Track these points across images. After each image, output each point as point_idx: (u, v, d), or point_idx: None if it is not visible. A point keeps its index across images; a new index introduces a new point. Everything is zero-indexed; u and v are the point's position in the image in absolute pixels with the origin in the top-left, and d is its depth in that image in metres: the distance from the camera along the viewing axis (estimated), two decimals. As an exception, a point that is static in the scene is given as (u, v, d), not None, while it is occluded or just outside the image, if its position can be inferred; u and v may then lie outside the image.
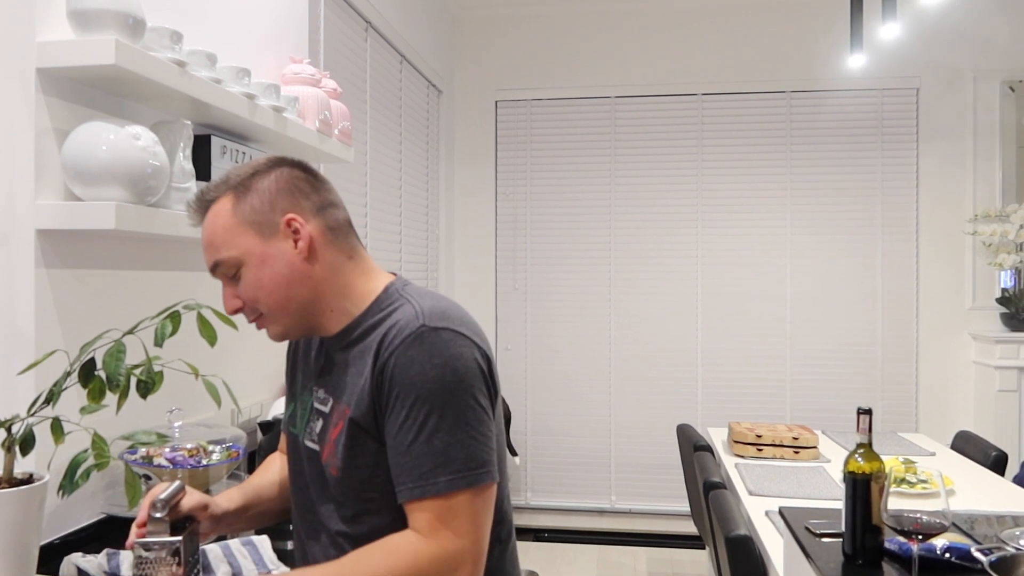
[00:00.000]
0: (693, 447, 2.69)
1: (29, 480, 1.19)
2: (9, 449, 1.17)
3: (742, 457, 2.69)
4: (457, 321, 1.10)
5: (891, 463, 2.24)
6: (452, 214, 4.34)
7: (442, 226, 4.15)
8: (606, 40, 4.26)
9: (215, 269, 1.14)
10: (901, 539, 1.33)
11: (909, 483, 2.05)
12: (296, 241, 1.12)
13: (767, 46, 4.14)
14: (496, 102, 4.37)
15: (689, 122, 4.21)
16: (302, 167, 1.17)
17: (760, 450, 2.68)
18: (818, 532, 1.64)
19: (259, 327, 1.17)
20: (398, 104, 3.43)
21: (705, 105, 4.19)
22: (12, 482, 1.17)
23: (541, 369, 4.31)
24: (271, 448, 1.80)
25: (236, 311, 1.15)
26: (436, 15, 3.99)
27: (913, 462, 2.25)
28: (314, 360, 1.23)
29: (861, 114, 4.09)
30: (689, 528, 4.06)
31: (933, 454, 2.75)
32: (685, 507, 4.07)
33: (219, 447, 1.53)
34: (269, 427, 1.84)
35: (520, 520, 4.25)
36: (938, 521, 1.26)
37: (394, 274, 1.23)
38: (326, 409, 1.17)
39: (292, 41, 2.29)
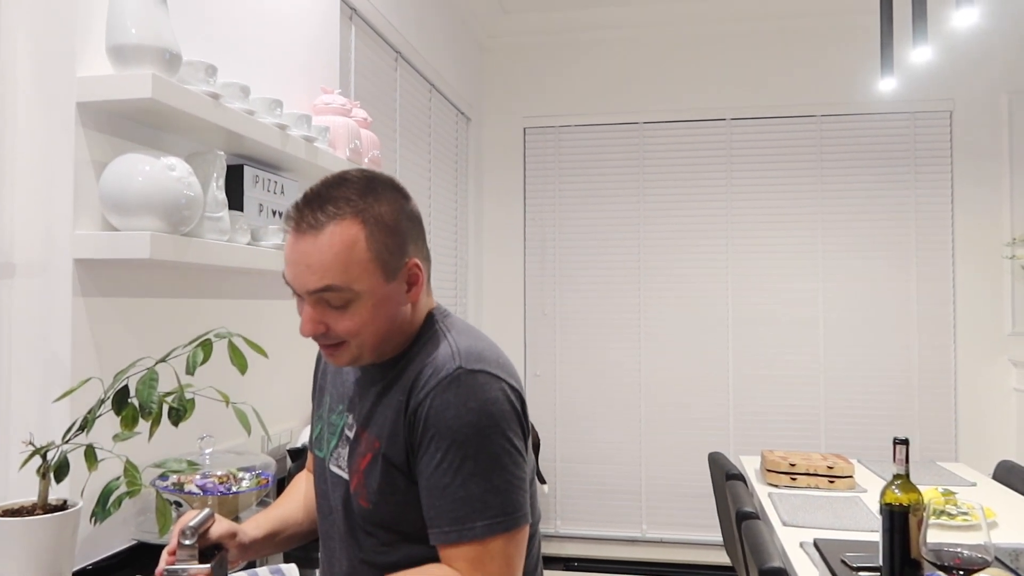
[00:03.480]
0: (725, 476, 2.64)
1: (63, 506, 1.21)
2: (44, 476, 1.19)
3: (775, 486, 2.63)
4: (493, 363, 1.09)
5: (930, 494, 2.18)
6: (481, 240, 4.36)
7: (471, 252, 4.17)
8: (634, 66, 4.28)
9: (320, 292, 1.05)
10: (941, 574, 1.29)
11: (949, 515, 2.00)
12: (410, 287, 1.11)
13: (796, 70, 4.12)
14: (524, 129, 4.39)
15: (718, 147, 4.19)
16: (404, 192, 1.13)
17: (794, 479, 2.62)
18: (854, 566, 1.60)
19: (330, 352, 1.11)
20: (427, 132, 3.47)
21: (734, 130, 4.18)
22: (46, 508, 1.19)
23: (570, 395, 4.28)
24: (300, 475, 1.81)
25: (315, 335, 1.09)
26: (464, 44, 4.04)
27: (953, 493, 2.19)
28: (349, 384, 1.22)
29: (893, 138, 4.04)
30: (722, 559, 3.98)
31: (974, 484, 2.67)
32: (718, 537, 4.00)
33: (249, 474, 1.53)
34: (298, 454, 1.85)
35: (549, 549, 4.21)
36: (980, 556, 1.22)
37: (434, 301, 1.23)
38: (351, 435, 1.17)
39: (323, 71, 2.33)
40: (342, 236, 1.04)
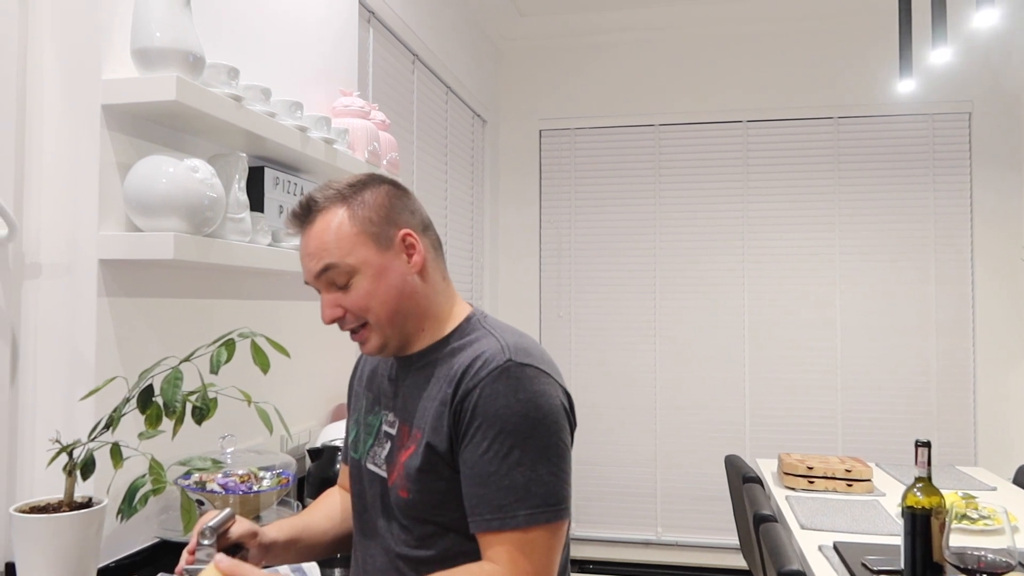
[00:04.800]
0: (742, 478, 2.63)
1: (88, 504, 1.22)
2: (71, 473, 1.20)
3: (793, 489, 2.62)
4: (540, 359, 1.12)
5: (951, 498, 2.17)
6: (496, 242, 4.37)
7: (486, 253, 4.18)
8: (649, 68, 4.28)
9: (323, 273, 1.12)
10: (964, 578, 1.28)
11: (971, 519, 1.98)
12: (410, 256, 1.15)
13: (813, 72, 4.10)
14: (540, 131, 4.40)
15: (734, 149, 4.18)
16: (398, 185, 1.19)
17: (811, 482, 2.61)
18: (875, 569, 1.59)
19: (358, 338, 1.16)
20: (444, 134, 3.48)
21: (750, 132, 4.17)
22: (72, 505, 1.20)
23: (585, 397, 4.28)
24: (320, 475, 1.82)
25: (335, 320, 1.14)
26: (481, 47, 4.05)
27: (974, 497, 2.18)
28: (387, 383, 1.24)
29: (912, 140, 4.02)
30: (738, 562, 3.96)
31: (994, 489, 2.65)
32: (734, 540, 3.98)
33: (270, 473, 1.54)
34: (318, 454, 1.86)
35: (564, 551, 4.20)
36: (1004, 559, 1.21)
37: (470, 304, 1.25)
38: (393, 432, 1.18)
39: (342, 74, 2.35)
40: (329, 219, 1.12)
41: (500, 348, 1.10)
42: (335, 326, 1.18)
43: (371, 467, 1.20)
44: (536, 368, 1.09)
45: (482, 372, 1.08)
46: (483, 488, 1.05)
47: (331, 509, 1.34)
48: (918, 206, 4.00)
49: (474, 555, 1.09)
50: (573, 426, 1.14)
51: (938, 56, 2.46)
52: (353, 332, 1.16)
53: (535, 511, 1.04)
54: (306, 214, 1.14)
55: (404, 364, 1.20)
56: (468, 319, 1.19)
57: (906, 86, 2.80)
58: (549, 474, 1.05)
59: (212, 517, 1.12)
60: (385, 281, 1.12)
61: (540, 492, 1.04)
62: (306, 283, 1.16)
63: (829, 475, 2.60)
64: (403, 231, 1.15)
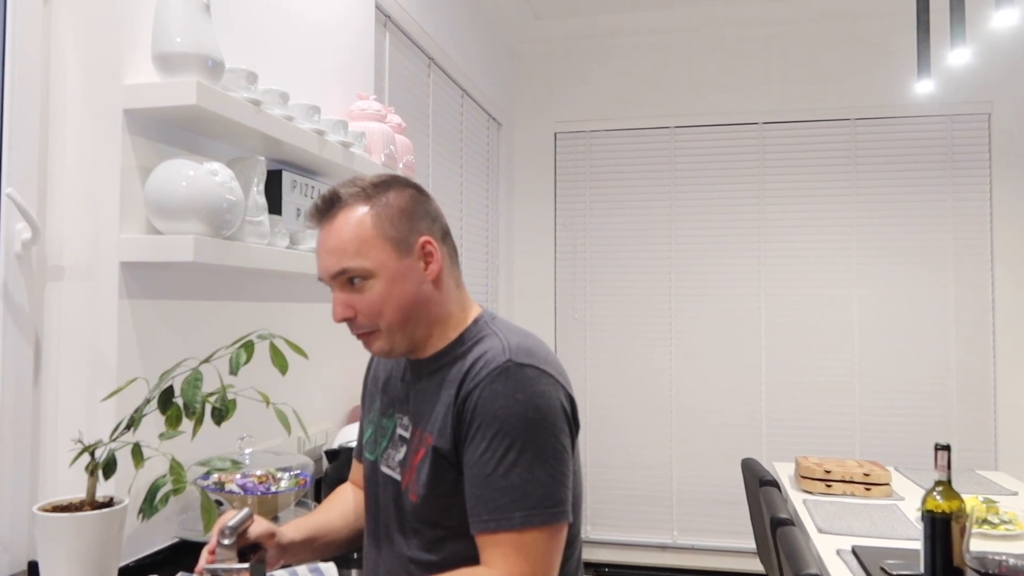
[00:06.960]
0: (759, 482, 2.62)
1: (110, 503, 1.23)
2: (92, 473, 1.22)
3: (810, 493, 2.61)
4: (542, 360, 1.11)
5: (971, 502, 2.15)
6: (511, 245, 4.37)
7: (502, 256, 4.18)
8: (665, 70, 4.27)
9: (338, 275, 1.12)
10: (985, 582, 1.27)
11: (991, 523, 1.97)
12: (428, 264, 1.15)
13: (830, 73, 4.08)
14: (555, 134, 4.40)
15: (750, 151, 4.17)
16: (421, 190, 1.20)
17: (829, 486, 2.59)
18: (894, 573, 1.58)
19: (365, 339, 1.16)
20: (459, 137, 3.49)
21: (767, 134, 4.15)
22: (94, 505, 1.22)
23: (601, 400, 4.27)
24: (337, 476, 1.83)
25: (346, 320, 1.14)
26: (496, 50, 4.06)
27: (995, 501, 2.16)
28: (400, 387, 1.25)
29: (930, 141, 3.98)
30: (755, 566, 3.94)
31: (1015, 494, 2.62)
32: (750, 544, 3.96)
33: (287, 474, 1.55)
34: (336, 455, 1.87)
35: (580, 554, 4.19)
36: (1025, 564, 1.20)
37: (480, 306, 1.25)
38: (407, 435, 1.18)
39: (359, 78, 2.36)
40: (349, 217, 1.12)
41: (502, 348, 1.11)
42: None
43: (385, 470, 1.21)
44: (537, 369, 1.09)
45: (482, 373, 1.09)
46: (481, 489, 1.06)
47: (344, 507, 1.35)
48: (937, 208, 3.96)
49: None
50: (575, 429, 1.13)
51: (957, 57, 2.44)
52: (360, 334, 1.16)
53: (531, 513, 1.04)
54: (328, 208, 1.13)
55: (416, 368, 1.21)
56: (476, 321, 1.20)
57: (924, 87, 2.78)
58: (546, 476, 1.05)
59: (231, 517, 1.13)
60: (400, 286, 1.12)
61: (537, 494, 1.04)
62: (320, 279, 1.16)
63: (847, 479, 2.58)
64: (423, 238, 1.15)
